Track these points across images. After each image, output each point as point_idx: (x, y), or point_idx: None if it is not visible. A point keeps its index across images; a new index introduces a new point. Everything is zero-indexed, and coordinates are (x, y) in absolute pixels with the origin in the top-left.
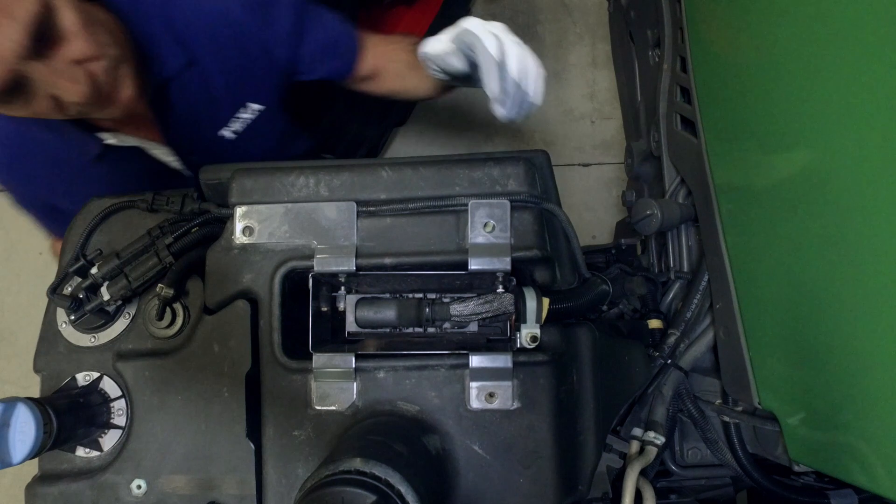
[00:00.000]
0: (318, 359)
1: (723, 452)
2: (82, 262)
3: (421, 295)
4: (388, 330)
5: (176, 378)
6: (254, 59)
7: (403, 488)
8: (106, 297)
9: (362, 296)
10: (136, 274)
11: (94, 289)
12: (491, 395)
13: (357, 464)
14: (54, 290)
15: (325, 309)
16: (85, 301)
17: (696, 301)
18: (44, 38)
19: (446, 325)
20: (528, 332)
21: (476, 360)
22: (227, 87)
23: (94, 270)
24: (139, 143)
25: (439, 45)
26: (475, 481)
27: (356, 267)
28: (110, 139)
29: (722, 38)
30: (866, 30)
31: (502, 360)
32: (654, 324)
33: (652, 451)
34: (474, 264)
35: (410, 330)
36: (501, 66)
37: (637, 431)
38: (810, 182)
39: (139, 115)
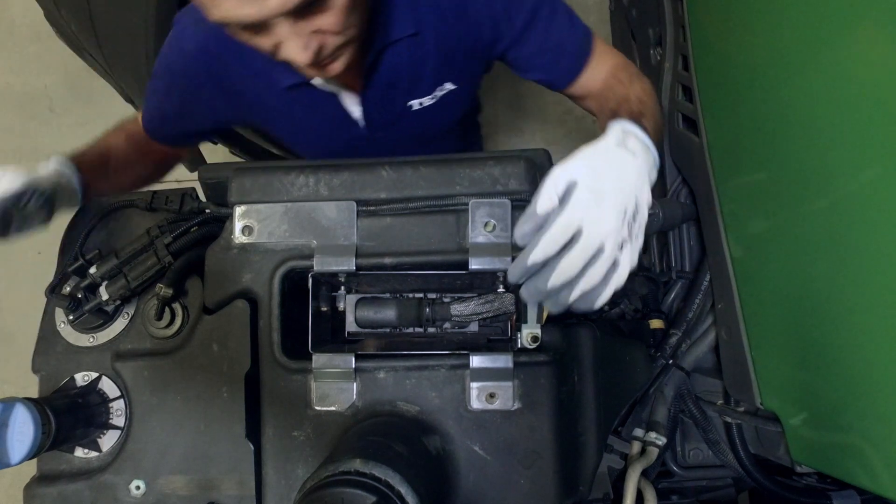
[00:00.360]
0: (318, 359)
1: (724, 453)
2: (81, 261)
3: (421, 295)
4: (388, 330)
5: (175, 378)
6: (472, 45)
7: (403, 489)
8: (105, 296)
9: (362, 296)
10: (134, 273)
11: (92, 288)
12: (491, 395)
13: (357, 464)
14: (53, 290)
15: (324, 309)
16: (83, 301)
17: (697, 301)
18: (313, 4)
19: (447, 325)
20: (528, 332)
21: (476, 361)
22: (435, 64)
23: (92, 270)
24: (338, 90)
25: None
26: (475, 482)
27: (356, 267)
28: (316, 79)
29: (724, 37)
30: (871, 26)
31: (503, 361)
32: (656, 324)
33: (653, 452)
34: (475, 264)
35: (410, 330)
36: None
37: (638, 432)
38: (814, 181)
39: (356, 66)
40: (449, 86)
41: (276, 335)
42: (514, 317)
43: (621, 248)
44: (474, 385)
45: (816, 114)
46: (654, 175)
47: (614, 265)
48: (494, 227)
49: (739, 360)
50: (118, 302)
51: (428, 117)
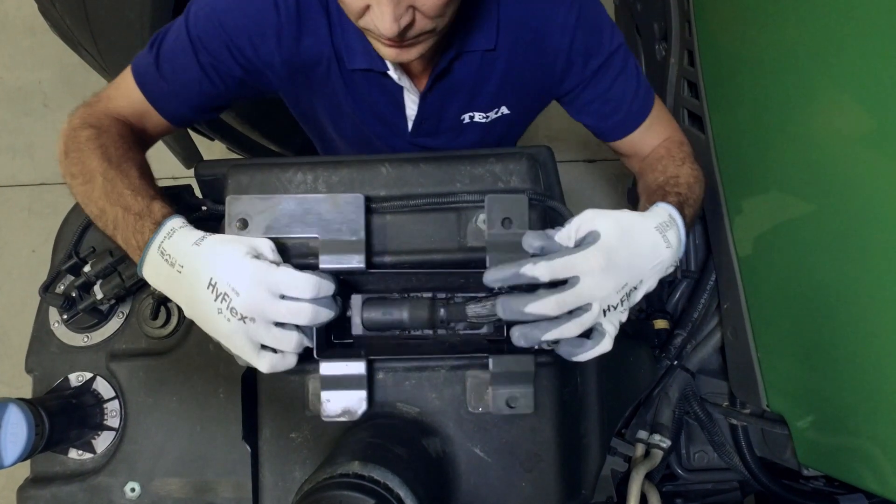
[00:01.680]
0: (328, 367)
1: (730, 456)
2: (75, 259)
3: (430, 294)
4: (396, 332)
5: (170, 379)
6: (540, 76)
7: (403, 492)
8: (99, 295)
9: (369, 296)
10: (130, 272)
11: (86, 287)
12: (512, 400)
13: (355, 467)
14: (46, 289)
15: None
16: (78, 300)
17: (703, 301)
18: None
19: (459, 326)
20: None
21: (496, 364)
22: (499, 84)
23: (87, 268)
24: (406, 85)
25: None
26: (476, 484)
27: (366, 264)
28: (392, 71)
29: (731, 31)
30: (880, 22)
31: (525, 363)
32: (660, 324)
33: (657, 455)
34: (493, 264)
35: (419, 332)
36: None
37: (642, 434)
38: (823, 178)
39: (420, 62)
40: (505, 110)
41: None
42: None
43: (605, 314)
44: (497, 391)
45: (827, 110)
46: (670, 270)
47: (598, 332)
48: (511, 223)
49: (745, 361)
50: (113, 301)
51: (473, 135)
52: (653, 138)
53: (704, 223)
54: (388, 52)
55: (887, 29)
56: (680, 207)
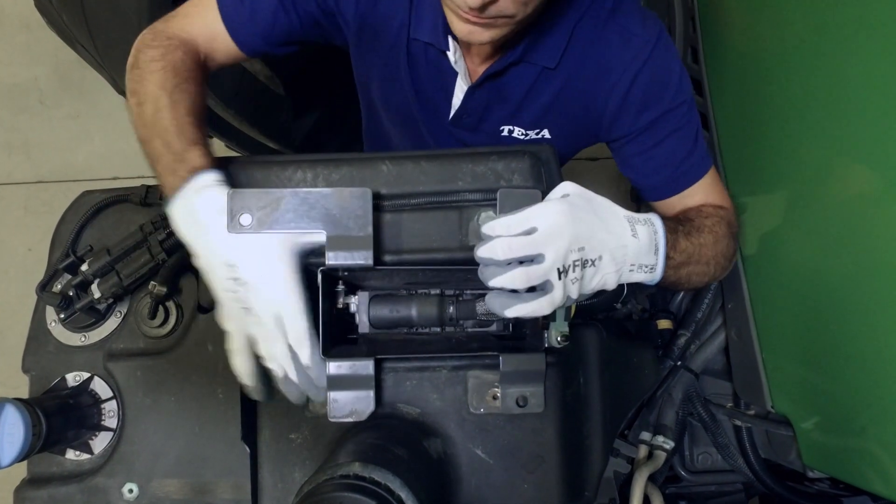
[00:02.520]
0: (335, 367)
1: (734, 457)
2: (72, 258)
3: (438, 291)
4: (403, 330)
5: (169, 379)
6: (590, 111)
7: (404, 494)
8: (97, 294)
9: (376, 293)
10: (127, 271)
11: (84, 286)
12: (523, 399)
13: (356, 468)
14: (44, 288)
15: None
16: (75, 299)
17: (706, 301)
18: None
19: (468, 323)
20: (559, 331)
21: (506, 363)
22: (548, 106)
23: (84, 267)
24: (460, 70)
25: None
26: (478, 486)
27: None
28: (451, 52)
29: (735, 28)
30: (886, 20)
31: (535, 362)
32: (664, 324)
33: (661, 456)
34: None
35: (424, 330)
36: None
37: (645, 435)
38: (829, 177)
39: (481, 55)
40: (546, 134)
41: None
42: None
43: (558, 275)
44: (505, 390)
45: (835, 107)
46: (635, 274)
47: (543, 289)
48: None
49: (750, 361)
50: (110, 300)
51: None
52: (693, 206)
53: None
54: (461, 28)
55: (894, 23)
56: (672, 230)
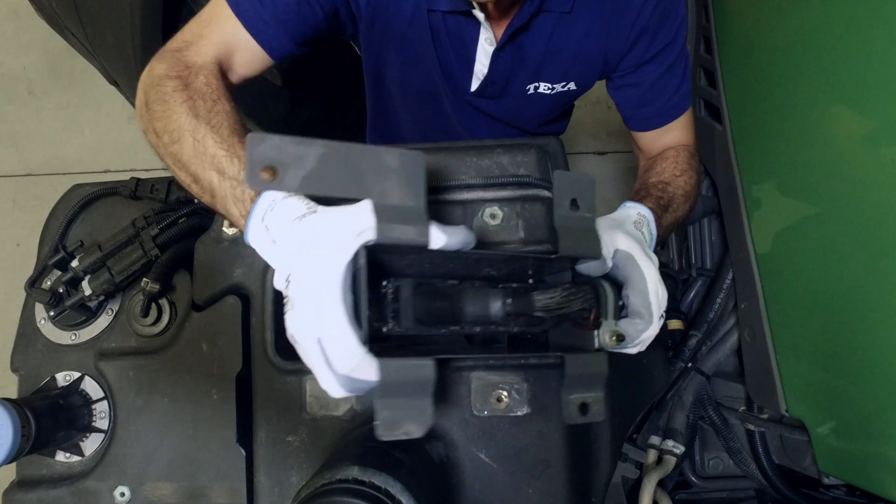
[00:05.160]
0: (390, 368)
1: (747, 463)
2: (62, 254)
3: (494, 283)
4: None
5: (162, 379)
6: (609, 47)
7: (404, 498)
8: (87, 291)
9: (420, 282)
10: (119, 267)
11: (74, 283)
12: (584, 406)
13: (355, 472)
14: (33, 284)
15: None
16: (65, 296)
17: (719, 300)
18: None
19: (519, 320)
20: (611, 330)
21: (571, 365)
22: (571, 57)
23: (74, 263)
24: (484, 32)
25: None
26: (481, 491)
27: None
28: (477, 10)
29: (750, 17)
30: None
31: (599, 363)
32: (674, 325)
33: (670, 461)
34: (566, 248)
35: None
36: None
37: (655, 440)
38: (847, 172)
39: (500, 9)
40: (572, 86)
41: (270, 334)
42: (595, 311)
43: None
44: (568, 395)
45: (854, 100)
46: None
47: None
48: (580, 206)
49: (763, 363)
50: (102, 297)
51: (535, 108)
52: (669, 141)
53: (721, 219)
54: None
55: None
56: (657, 212)
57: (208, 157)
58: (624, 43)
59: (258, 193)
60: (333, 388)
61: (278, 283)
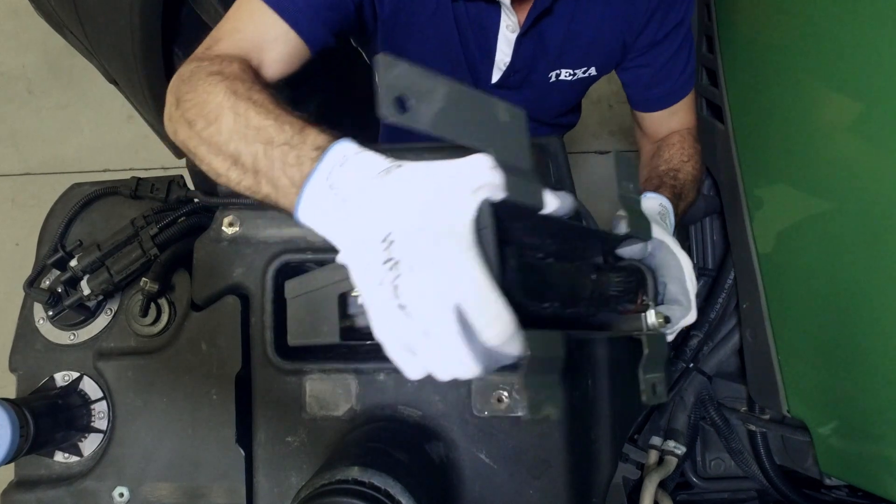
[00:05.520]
0: (532, 341)
1: (748, 464)
2: (61, 253)
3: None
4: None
5: (161, 379)
6: (625, 28)
7: (404, 499)
8: (86, 291)
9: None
10: (118, 267)
11: (73, 283)
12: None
13: (355, 472)
14: (31, 284)
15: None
16: (64, 296)
17: (720, 300)
18: None
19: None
20: (659, 313)
21: (651, 344)
22: (589, 41)
23: (73, 263)
24: (507, 18)
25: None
26: (481, 492)
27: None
28: None
29: (753, 16)
30: None
31: (664, 345)
32: None
33: (671, 462)
34: (622, 228)
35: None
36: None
37: (656, 440)
38: (850, 172)
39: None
40: (593, 71)
41: (270, 333)
42: (644, 294)
43: None
44: (644, 374)
45: (856, 98)
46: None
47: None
48: (631, 187)
49: (765, 364)
50: (100, 297)
51: (557, 96)
52: (675, 124)
53: (723, 218)
54: None
55: None
56: (674, 201)
57: (252, 130)
58: (639, 22)
59: (321, 151)
60: (468, 367)
61: (364, 248)
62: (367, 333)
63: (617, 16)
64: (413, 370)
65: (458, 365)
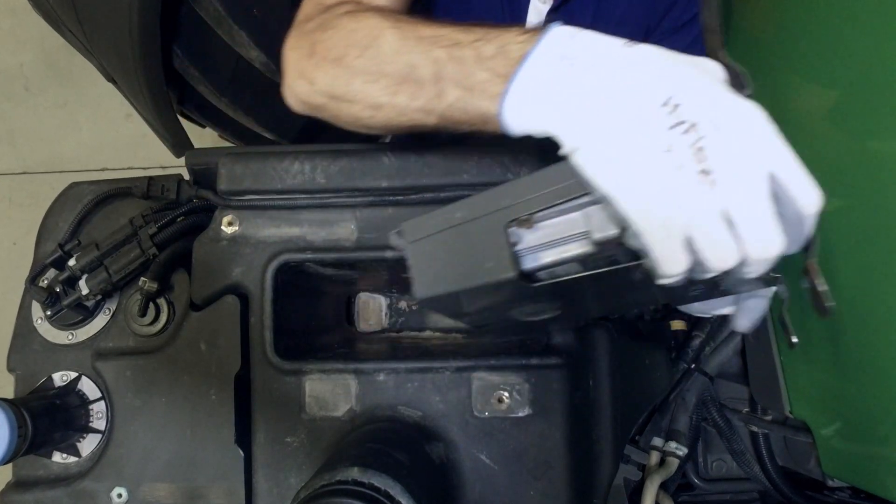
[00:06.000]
0: None
1: (750, 465)
2: (59, 252)
3: None
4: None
5: (160, 379)
6: (649, 12)
7: (405, 500)
8: (84, 291)
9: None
10: (117, 266)
11: (71, 282)
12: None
13: (354, 473)
14: (33, 281)
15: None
16: (62, 295)
17: None
18: None
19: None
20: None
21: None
22: (618, 23)
23: (71, 262)
24: None
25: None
26: (482, 493)
27: None
28: None
29: (755, 12)
30: None
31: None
32: (677, 325)
33: (673, 463)
34: None
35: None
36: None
37: (657, 441)
38: (851, 170)
39: None
40: None
41: (269, 333)
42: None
43: None
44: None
45: (861, 97)
46: None
47: None
48: None
49: (767, 364)
50: (99, 297)
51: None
52: None
53: None
54: None
55: None
56: None
57: (427, 39)
58: (664, 5)
59: (534, 35)
60: (777, 242)
61: (636, 114)
62: (549, 273)
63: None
64: (678, 261)
65: (769, 240)
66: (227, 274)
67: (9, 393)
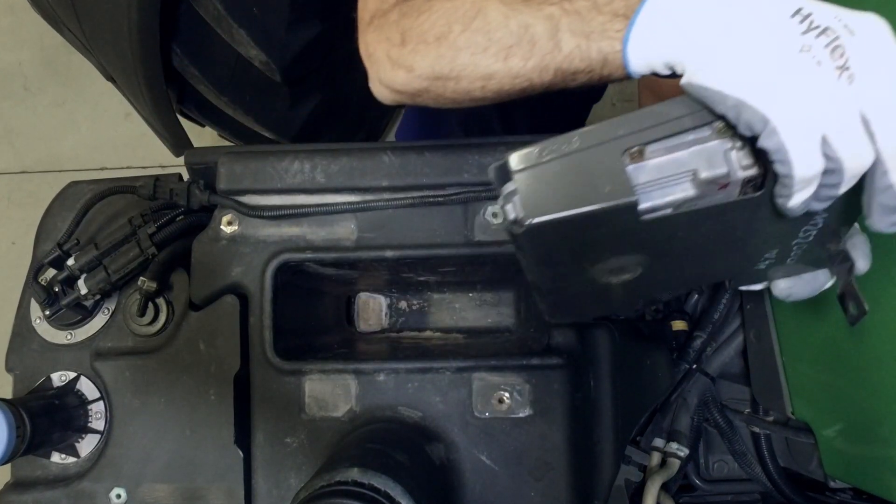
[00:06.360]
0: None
1: (752, 466)
2: (58, 252)
3: None
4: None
5: (158, 379)
6: None
7: (405, 501)
8: (83, 290)
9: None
10: (115, 266)
11: (70, 282)
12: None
13: (354, 474)
14: (35, 278)
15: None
16: (61, 295)
17: (724, 301)
18: None
19: None
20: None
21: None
22: None
23: (70, 262)
24: None
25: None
26: (482, 494)
27: None
28: None
29: None
30: None
31: None
32: (678, 325)
33: (674, 464)
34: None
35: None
36: None
37: (658, 442)
38: None
39: None
40: None
41: (268, 333)
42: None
43: None
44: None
45: None
46: None
47: None
48: None
49: (769, 365)
50: (98, 296)
51: None
52: None
53: None
54: None
55: None
56: None
57: (535, 3)
58: None
59: None
60: None
61: (768, 23)
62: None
63: None
64: (814, 162)
65: None
66: (226, 274)
67: (7, 393)
